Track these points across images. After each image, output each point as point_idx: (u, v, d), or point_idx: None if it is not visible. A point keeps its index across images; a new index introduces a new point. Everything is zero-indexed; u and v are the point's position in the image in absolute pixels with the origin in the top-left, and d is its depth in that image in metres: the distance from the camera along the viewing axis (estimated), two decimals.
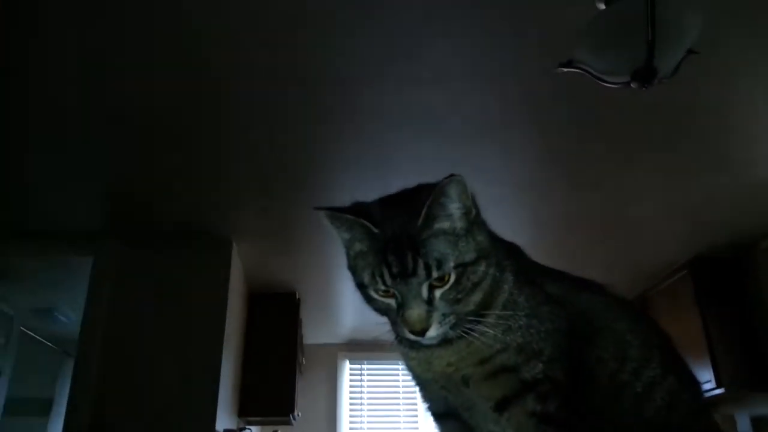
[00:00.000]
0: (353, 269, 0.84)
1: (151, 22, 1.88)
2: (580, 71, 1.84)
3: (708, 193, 3.05)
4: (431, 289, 0.77)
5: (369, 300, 0.83)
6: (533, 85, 2.22)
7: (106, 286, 3.20)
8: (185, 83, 2.17)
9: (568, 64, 1.85)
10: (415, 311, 0.76)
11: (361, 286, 0.82)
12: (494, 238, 0.88)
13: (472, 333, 0.79)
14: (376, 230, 0.80)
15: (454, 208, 0.80)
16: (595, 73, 1.80)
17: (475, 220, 0.82)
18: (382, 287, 0.79)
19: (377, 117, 2.40)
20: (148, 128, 2.45)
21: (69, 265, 3.61)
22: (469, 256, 0.79)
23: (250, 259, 3.71)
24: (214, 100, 2.28)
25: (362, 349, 5.29)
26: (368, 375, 5.43)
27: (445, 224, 0.79)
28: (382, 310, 0.82)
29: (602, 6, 1.78)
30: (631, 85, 1.68)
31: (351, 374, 5.41)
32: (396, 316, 0.79)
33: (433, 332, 0.77)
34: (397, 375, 5.32)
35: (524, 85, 2.23)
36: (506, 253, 0.88)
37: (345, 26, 1.92)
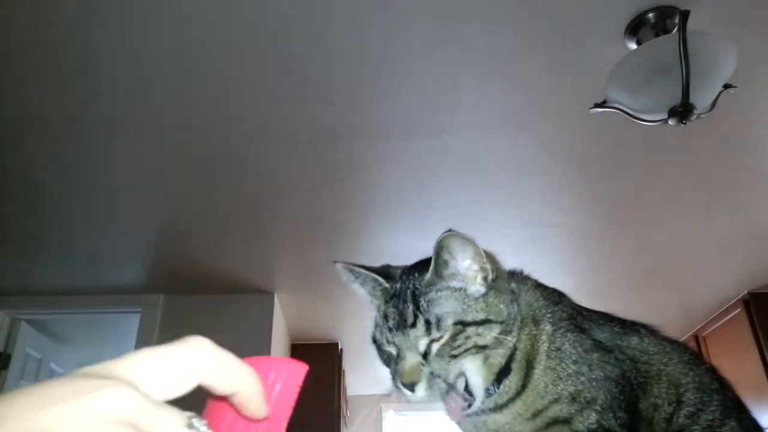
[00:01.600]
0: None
1: (196, 83, 1.97)
2: (615, 111, 1.84)
3: (758, 228, 2.96)
4: (430, 344, 0.78)
5: (378, 352, 0.86)
6: (569, 127, 2.22)
7: (152, 339, 3.26)
8: (228, 144, 2.25)
9: (603, 105, 1.86)
10: (408, 362, 0.78)
11: (373, 340, 0.86)
12: (537, 286, 0.88)
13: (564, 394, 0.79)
14: (386, 285, 0.84)
15: (463, 266, 0.81)
16: (630, 112, 1.80)
17: (494, 285, 0.81)
18: (383, 338, 0.82)
19: (414, 167, 2.42)
20: (189, 185, 2.53)
21: (116, 322, 3.70)
22: (475, 316, 0.79)
23: (292, 310, 3.73)
24: (255, 160, 2.34)
25: (407, 400, 5.18)
26: (413, 425, 5.30)
27: (454, 282, 0.80)
28: (386, 361, 0.84)
29: (633, 45, 1.79)
30: (669, 122, 1.67)
31: (395, 425, 5.30)
32: (393, 371, 0.80)
33: (421, 390, 0.77)
34: (442, 425, 5.17)
35: (560, 128, 2.23)
36: (545, 303, 0.87)
37: (382, 79, 1.97)
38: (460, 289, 0.80)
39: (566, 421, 0.78)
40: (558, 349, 0.81)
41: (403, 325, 0.79)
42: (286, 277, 3.37)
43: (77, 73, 1.89)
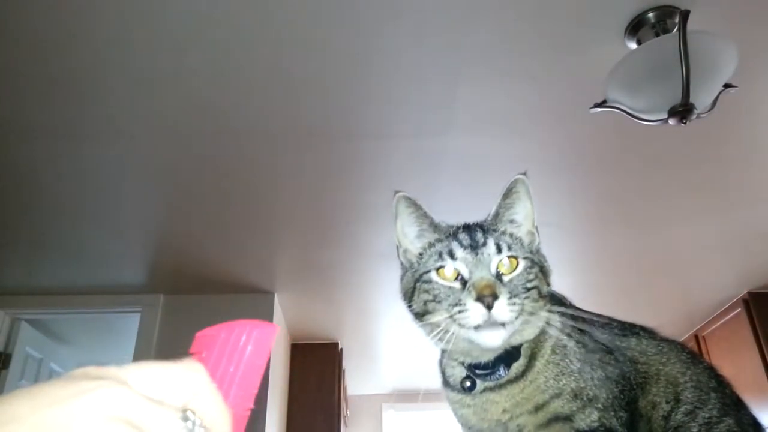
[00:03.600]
0: (411, 264, 0.85)
1: (196, 83, 1.97)
2: (616, 110, 1.84)
3: (758, 227, 2.96)
4: (500, 275, 0.78)
5: (425, 291, 0.80)
6: (569, 127, 2.22)
7: (152, 338, 3.26)
8: (228, 144, 2.25)
9: (603, 104, 1.86)
10: (485, 277, 0.76)
11: (420, 278, 0.81)
12: None
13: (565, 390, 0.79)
14: (444, 224, 0.85)
15: (521, 212, 0.84)
16: (630, 112, 1.80)
17: (538, 254, 0.85)
18: (449, 261, 0.78)
19: (414, 167, 2.42)
20: (189, 185, 2.53)
21: (116, 322, 3.71)
22: (531, 255, 0.81)
23: (292, 310, 3.73)
24: (255, 160, 2.35)
25: (407, 399, 5.19)
26: (413, 425, 5.30)
27: (512, 228, 0.83)
28: (437, 299, 0.78)
29: (634, 45, 1.79)
30: (669, 122, 1.67)
31: (396, 425, 5.30)
32: (458, 297, 0.76)
33: (502, 305, 0.73)
34: (443, 425, 5.18)
35: (560, 127, 2.23)
36: (551, 300, 0.88)
37: (383, 79, 1.97)
38: (519, 237, 0.83)
39: (568, 418, 0.79)
40: (564, 346, 0.82)
41: (476, 245, 0.78)
42: (286, 277, 3.38)
43: (77, 73, 1.89)
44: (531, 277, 0.78)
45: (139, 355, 3.22)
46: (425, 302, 0.80)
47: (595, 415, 0.78)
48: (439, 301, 0.78)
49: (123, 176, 2.43)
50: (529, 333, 0.81)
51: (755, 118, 2.23)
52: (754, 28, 1.80)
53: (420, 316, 0.82)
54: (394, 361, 4.58)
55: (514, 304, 0.74)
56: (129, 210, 2.70)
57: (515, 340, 0.80)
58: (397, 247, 0.88)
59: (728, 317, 3.76)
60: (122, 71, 1.89)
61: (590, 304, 0.94)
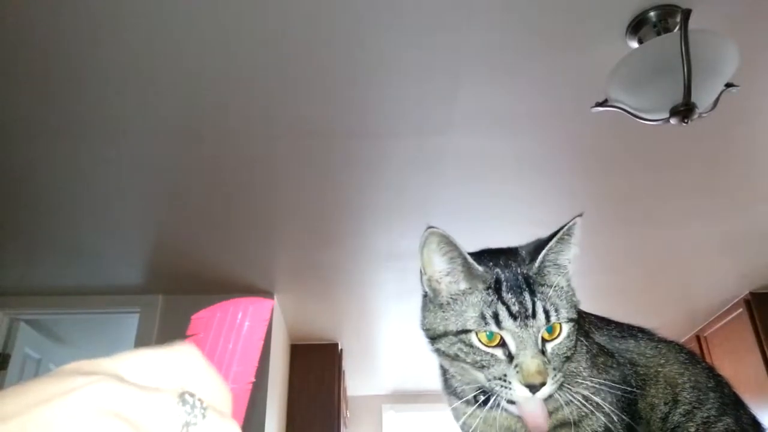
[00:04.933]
0: (437, 297, 0.76)
1: (196, 83, 1.96)
2: (617, 109, 1.83)
3: (760, 228, 2.95)
4: (544, 344, 0.70)
5: (463, 351, 0.71)
6: (570, 126, 2.21)
7: (151, 339, 3.25)
8: (228, 144, 2.24)
9: (604, 104, 1.85)
10: (537, 359, 0.67)
11: (456, 334, 0.72)
12: None
13: (575, 399, 0.73)
14: (480, 268, 0.73)
15: (569, 257, 0.75)
16: (632, 111, 1.79)
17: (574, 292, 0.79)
18: (495, 329, 0.69)
19: (414, 166, 2.42)
20: (189, 185, 2.52)
21: (115, 322, 3.70)
22: (574, 313, 0.74)
23: (292, 310, 3.73)
24: (255, 159, 2.34)
25: (407, 400, 5.18)
26: (413, 426, 5.30)
27: (558, 277, 0.74)
28: (477, 364, 0.71)
29: (635, 44, 1.78)
30: (670, 121, 1.66)
31: (396, 425, 5.29)
32: (504, 368, 0.69)
33: (548, 388, 0.68)
34: (443, 426, 5.17)
35: (560, 127, 2.22)
36: None
37: (383, 78, 1.96)
38: (561, 284, 0.73)
39: (575, 423, 0.78)
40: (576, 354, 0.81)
41: (524, 314, 0.69)
42: (286, 277, 3.37)
43: (77, 73, 1.88)
44: (572, 341, 0.72)
45: None
46: (458, 357, 0.73)
47: (601, 420, 0.78)
48: (480, 368, 0.71)
49: (122, 176, 2.42)
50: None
51: (757, 117, 2.22)
52: (756, 27, 1.79)
53: (446, 357, 0.75)
54: (394, 361, 4.57)
55: (556, 379, 0.69)
56: (128, 210, 2.69)
57: None
58: (421, 273, 0.79)
59: (730, 318, 3.75)
60: (121, 71, 1.88)
61: (590, 305, 0.93)
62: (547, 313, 0.70)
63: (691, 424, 0.80)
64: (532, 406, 0.69)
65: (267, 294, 3.45)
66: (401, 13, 1.70)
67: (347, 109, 2.10)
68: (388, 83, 1.98)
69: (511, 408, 0.70)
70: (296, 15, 1.70)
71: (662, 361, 0.87)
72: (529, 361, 0.68)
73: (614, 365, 0.83)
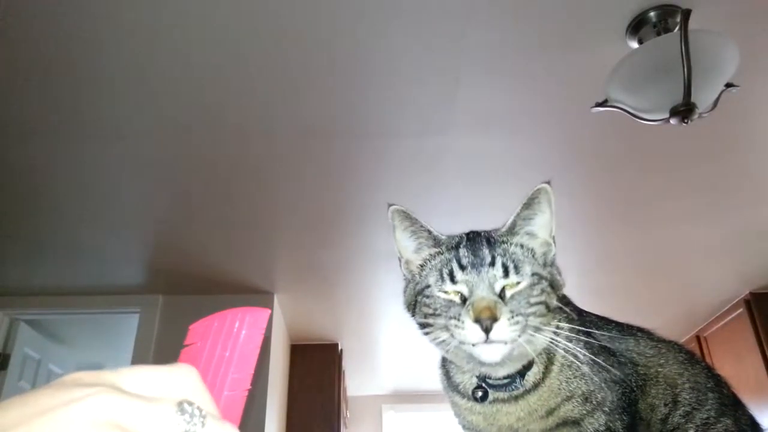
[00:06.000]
0: (413, 276, 0.82)
1: (196, 83, 1.96)
2: (617, 110, 1.83)
3: (760, 227, 2.95)
4: (503, 290, 0.74)
5: (425, 305, 0.77)
6: (570, 126, 2.21)
7: (151, 339, 3.26)
8: (228, 144, 2.24)
9: (604, 104, 1.85)
10: (487, 297, 0.71)
11: (420, 292, 0.78)
12: None
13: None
14: (444, 237, 0.80)
15: (539, 223, 0.80)
16: (632, 111, 1.79)
17: (552, 265, 0.82)
18: (449, 281, 0.75)
19: (414, 166, 2.42)
20: (189, 185, 2.52)
21: (115, 322, 3.70)
22: (546, 275, 0.77)
23: (292, 310, 3.72)
24: (255, 159, 2.34)
25: (407, 400, 5.18)
26: (413, 426, 5.29)
27: (526, 239, 0.79)
28: (439, 311, 0.75)
29: (635, 44, 1.78)
30: (671, 121, 1.66)
31: (396, 426, 5.29)
32: (458, 312, 0.73)
33: (502, 327, 0.70)
34: (443, 426, 5.17)
35: (560, 127, 2.22)
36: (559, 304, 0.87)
37: (383, 78, 1.96)
38: (532, 249, 0.79)
39: (576, 422, 0.78)
40: (574, 347, 0.81)
41: (479, 264, 0.74)
42: (286, 277, 3.37)
43: (78, 73, 1.88)
44: (536, 292, 0.74)
45: (138, 356, 3.21)
46: (426, 315, 0.77)
47: (602, 419, 0.78)
48: (438, 315, 0.75)
49: (122, 176, 2.42)
50: (535, 348, 0.77)
51: (757, 117, 2.22)
52: (756, 27, 1.79)
53: (422, 327, 0.80)
54: (394, 362, 4.57)
55: (517, 323, 0.71)
56: (128, 210, 2.69)
57: (520, 357, 0.77)
58: (399, 259, 0.85)
59: (730, 318, 3.75)
60: (122, 71, 1.88)
61: (591, 305, 0.93)
62: (505, 266, 0.74)
63: (691, 425, 0.80)
64: (489, 351, 0.71)
65: (267, 294, 3.45)
66: (401, 13, 1.70)
67: (347, 109, 2.10)
68: (388, 83, 1.98)
69: (471, 350, 0.73)
70: (296, 15, 1.70)
71: (662, 361, 0.87)
72: (479, 298, 0.72)
73: (615, 364, 0.82)
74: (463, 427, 0.89)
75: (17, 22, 1.69)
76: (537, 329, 0.74)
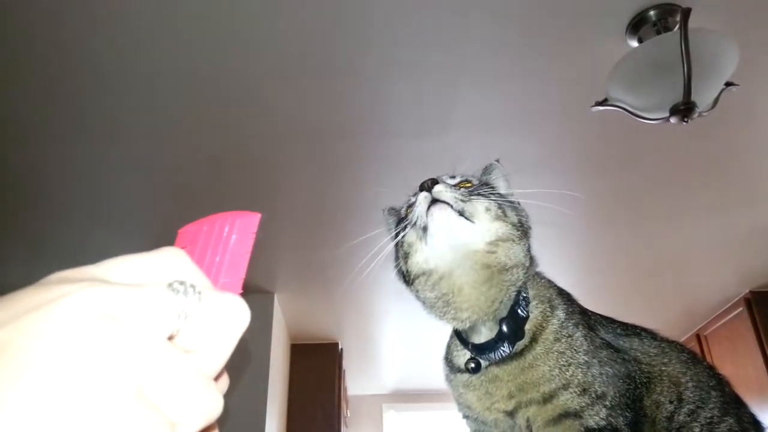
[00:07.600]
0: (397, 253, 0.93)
1: (197, 83, 1.96)
2: (617, 109, 1.83)
3: (760, 226, 2.95)
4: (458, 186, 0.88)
5: (402, 246, 0.91)
6: (570, 126, 2.21)
7: None
8: (228, 144, 2.25)
9: (604, 103, 1.85)
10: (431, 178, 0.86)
11: (400, 223, 0.93)
12: (551, 284, 0.90)
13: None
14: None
15: (496, 194, 0.89)
16: (632, 110, 1.79)
17: (522, 227, 0.89)
18: (411, 201, 0.90)
19: (414, 166, 2.41)
20: (189, 185, 2.52)
21: None
22: (494, 207, 0.86)
23: (292, 310, 3.72)
24: (255, 159, 2.34)
25: (408, 399, 5.19)
26: (414, 426, 5.30)
27: (482, 200, 0.87)
28: (411, 221, 0.86)
29: (635, 43, 1.78)
30: (671, 120, 1.66)
31: (396, 425, 5.29)
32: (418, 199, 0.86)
33: (442, 187, 0.84)
34: (444, 425, 5.18)
35: (561, 126, 2.22)
36: (561, 297, 0.88)
37: (380, 77, 1.96)
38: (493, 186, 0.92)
39: (577, 414, 0.79)
40: (570, 336, 0.82)
41: (434, 182, 0.86)
42: (286, 277, 3.37)
43: (78, 73, 1.88)
44: (483, 192, 0.85)
45: None
46: (405, 255, 0.90)
47: (603, 413, 0.78)
48: (407, 225, 0.88)
49: (122, 175, 2.42)
50: (505, 256, 0.82)
51: (757, 117, 2.22)
52: (756, 26, 1.79)
53: (405, 259, 0.89)
54: (394, 361, 4.58)
55: (457, 191, 0.83)
56: (128, 210, 2.69)
57: (493, 260, 0.81)
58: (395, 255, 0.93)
59: (730, 317, 3.75)
60: (122, 71, 1.88)
61: (591, 304, 0.93)
62: (458, 184, 0.88)
63: (696, 424, 0.81)
64: (437, 213, 0.81)
65: (267, 293, 3.45)
66: (401, 13, 1.70)
67: (347, 109, 2.10)
68: (388, 83, 1.98)
69: (427, 221, 0.83)
70: (297, 16, 1.70)
71: (665, 360, 0.88)
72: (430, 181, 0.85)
73: (619, 360, 0.83)
74: (463, 415, 0.90)
75: (18, 22, 1.69)
76: (495, 218, 0.84)
